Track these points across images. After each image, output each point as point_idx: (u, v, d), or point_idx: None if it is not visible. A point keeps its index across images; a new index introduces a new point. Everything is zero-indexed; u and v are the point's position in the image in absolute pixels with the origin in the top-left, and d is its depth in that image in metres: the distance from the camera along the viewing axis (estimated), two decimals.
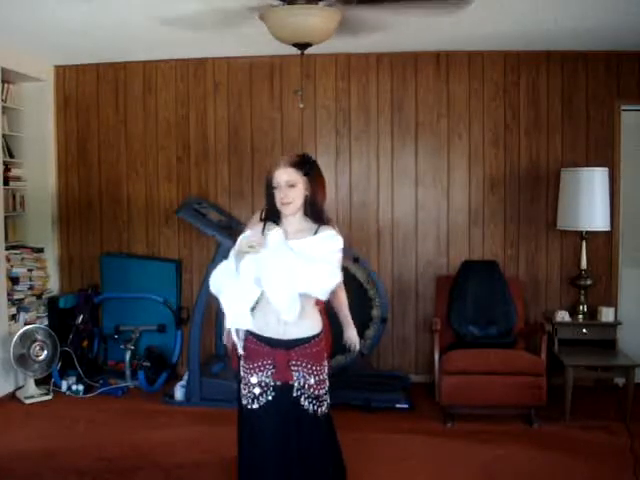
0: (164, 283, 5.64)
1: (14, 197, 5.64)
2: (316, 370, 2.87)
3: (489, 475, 3.77)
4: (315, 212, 2.87)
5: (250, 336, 2.89)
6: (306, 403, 2.86)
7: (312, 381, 2.86)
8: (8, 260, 5.32)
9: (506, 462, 3.93)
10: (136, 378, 5.32)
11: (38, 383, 5.23)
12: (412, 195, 5.57)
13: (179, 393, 5.07)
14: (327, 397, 2.92)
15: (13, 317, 5.34)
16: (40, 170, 5.81)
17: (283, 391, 2.84)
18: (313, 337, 2.88)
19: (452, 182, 5.53)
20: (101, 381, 5.42)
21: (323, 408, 2.90)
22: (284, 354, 2.83)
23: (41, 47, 5.25)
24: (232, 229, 5.03)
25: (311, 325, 2.89)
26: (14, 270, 5.39)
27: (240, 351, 2.91)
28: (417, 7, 4.14)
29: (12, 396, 5.18)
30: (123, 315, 5.66)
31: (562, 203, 5.14)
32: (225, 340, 3.07)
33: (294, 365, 2.84)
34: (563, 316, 5.09)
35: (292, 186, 2.83)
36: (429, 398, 5.02)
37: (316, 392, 2.87)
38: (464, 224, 5.53)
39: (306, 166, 2.89)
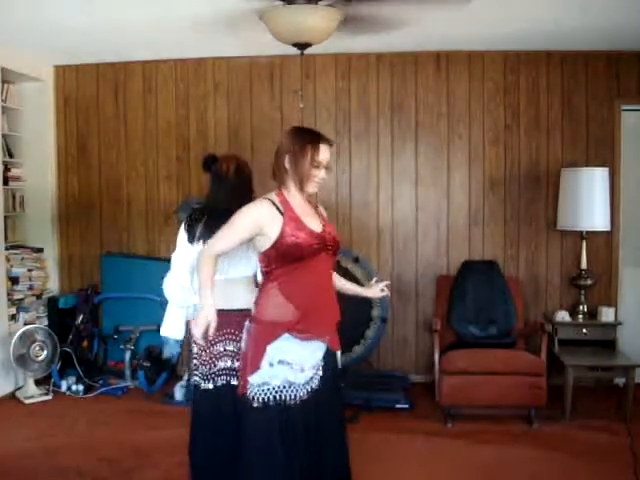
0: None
1: (14, 197, 5.63)
2: None
3: (489, 475, 3.77)
4: None
5: None
6: None
7: None
8: (8, 260, 5.32)
9: (506, 462, 3.93)
10: (136, 378, 5.32)
11: (38, 383, 5.23)
12: (412, 195, 5.57)
13: (179, 393, 5.06)
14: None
15: (13, 317, 5.33)
16: (40, 170, 5.80)
17: None
18: None
19: (452, 182, 5.53)
20: (101, 381, 5.42)
21: None
22: None
23: (41, 47, 5.25)
24: None
25: None
26: (14, 270, 5.39)
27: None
28: (416, 2, 4.14)
29: (12, 396, 5.18)
30: (123, 315, 5.66)
31: (562, 203, 5.14)
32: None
33: None
34: (563, 316, 5.09)
35: None
36: (429, 398, 5.02)
37: None
38: (464, 224, 5.53)
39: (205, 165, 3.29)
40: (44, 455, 4.04)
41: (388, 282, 3.11)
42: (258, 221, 2.65)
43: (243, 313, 2.87)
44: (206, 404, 3.10)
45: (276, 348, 2.64)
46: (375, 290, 3.07)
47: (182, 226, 3.22)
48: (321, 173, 2.73)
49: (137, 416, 4.80)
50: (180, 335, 3.36)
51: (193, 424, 3.15)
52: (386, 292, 3.08)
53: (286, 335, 2.64)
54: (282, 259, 2.63)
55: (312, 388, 2.70)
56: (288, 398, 2.65)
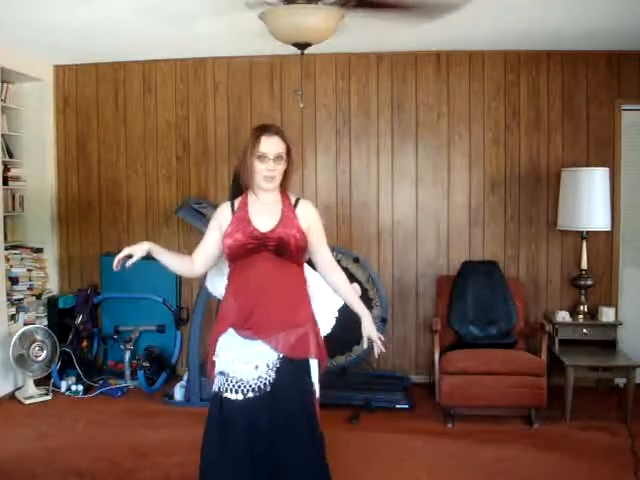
0: (164, 283, 5.63)
1: (13, 197, 5.63)
2: None
3: (489, 475, 3.76)
4: None
5: None
6: None
7: None
8: (7, 260, 5.32)
9: (506, 462, 3.92)
10: (136, 378, 5.31)
11: (37, 383, 5.22)
12: (412, 195, 5.57)
13: (179, 393, 5.06)
14: None
15: (12, 317, 5.32)
16: (39, 170, 5.80)
17: None
18: None
19: (452, 182, 5.53)
20: (101, 381, 5.42)
21: None
22: None
23: (41, 47, 5.24)
24: None
25: None
26: (13, 270, 5.38)
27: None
28: (411, 14, 4.19)
29: (11, 396, 5.17)
30: (123, 315, 5.65)
31: (562, 203, 5.13)
32: None
33: None
34: (563, 316, 5.09)
35: None
36: (429, 398, 5.02)
37: None
38: (464, 224, 5.52)
39: None
40: (44, 455, 4.03)
41: (383, 350, 2.85)
42: (217, 223, 2.80)
43: None
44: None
45: (224, 341, 2.77)
46: (368, 329, 2.84)
47: None
48: (267, 165, 2.71)
49: (137, 416, 4.79)
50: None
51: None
52: (366, 346, 2.88)
53: (231, 330, 2.75)
54: (227, 258, 2.76)
55: (259, 389, 2.69)
56: (229, 392, 2.71)
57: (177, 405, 5.01)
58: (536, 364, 4.52)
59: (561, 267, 5.43)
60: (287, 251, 2.71)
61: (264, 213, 2.75)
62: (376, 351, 2.85)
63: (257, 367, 2.70)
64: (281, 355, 2.70)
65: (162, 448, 4.13)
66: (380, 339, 2.84)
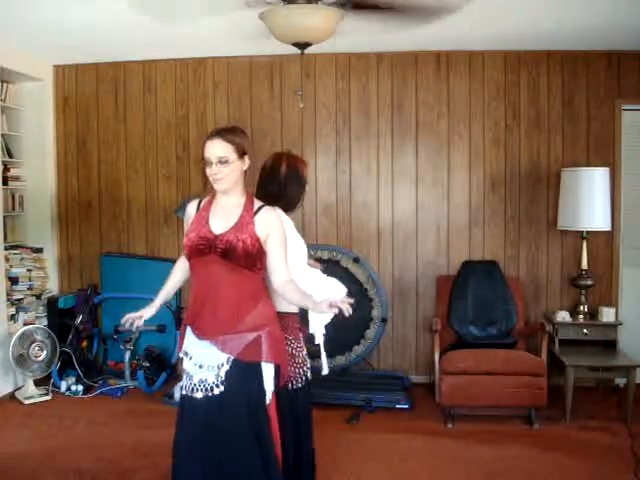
0: (164, 283, 5.61)
1: (13, 197, 5.63)
2: None
3: (489, 475, 3.76)
4: None
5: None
6: None
7: None
8: (7, 260, 5.32)
9: (506, 462, 3.92)
10: (135, 378, 5.31)
11: (37, 383, 5.22)
12: (412, 195, 5.56)
13: (178, 393, 5.05)
14: None
15: (12, 317, 5.33)
16: (39, 170, 5.80)
17: None
18: None
19: (452, 182, 5.53)
20: (100, 381, 5.42)
21: None
22: None
23: (40, 47, 5.24)
24: None
25: None
26: (13, 270, 5.38)
27: None
28: (407, 16, 4.20)
29: (11, 396, 5.17)
30: (122, 315, 5.62)
31: (562, 203, 5.13)
32: None
33: None
34: (564, 316, 5.08)
35: None
36: (429, 398, 5.02)
37: None
38: (464, 224, 5.52)
39: None
40: (44, 455, 4.03)
41: (349, 300, 2.64)
42: (186, 219, 2.85)
43: (282, 316, 2.88)
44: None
45: (186, 340, 2.84)
46: (326, 303, 2.64)
47: None
48: (211, 169, 2.70)
49: (137, 416, 4.79)
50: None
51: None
52: (333, 311, 2.64)
53: (189, 329, 2.80)
54: (185, 256, 2.81)
55: (211, 389, 2.71)
56: (188, 391, 2.78)
57: (177, 405, 4.98)
58: (536, 364, 4.52)
59: (561, 267, 5.43)
60: (234, 255, 2.65)
61: (223, 215, 2.74)
62: (345, 311, 2.58)
63: (210, 367, 2.73)
64: (231, 358, 2.70)
65: (162, 448, 4.10)
66: (347, 303, 2.58)
